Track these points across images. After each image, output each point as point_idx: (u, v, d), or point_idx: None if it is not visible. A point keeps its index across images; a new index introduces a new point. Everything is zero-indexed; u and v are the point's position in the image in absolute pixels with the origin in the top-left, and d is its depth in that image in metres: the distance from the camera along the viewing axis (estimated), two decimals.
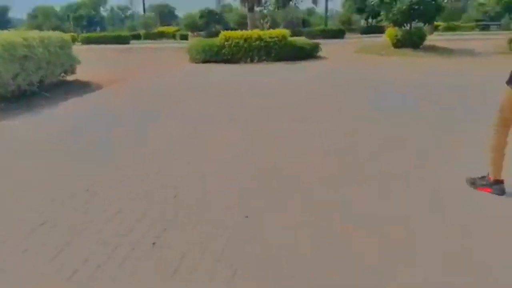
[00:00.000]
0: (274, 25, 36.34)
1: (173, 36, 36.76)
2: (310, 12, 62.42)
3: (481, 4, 39.85)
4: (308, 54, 14.25)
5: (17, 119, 6.35)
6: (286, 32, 14.07)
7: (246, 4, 25.27)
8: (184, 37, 35.13)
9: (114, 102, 7.78)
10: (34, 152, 4.52)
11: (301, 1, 42.59)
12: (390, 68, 11.83)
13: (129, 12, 67.44)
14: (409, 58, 13.88)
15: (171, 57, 17.70)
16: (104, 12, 57.85)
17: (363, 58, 14.55)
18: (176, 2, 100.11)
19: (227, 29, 40.77)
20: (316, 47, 14.63)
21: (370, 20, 34.68)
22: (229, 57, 14.12)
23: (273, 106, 6.80)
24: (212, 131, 5.25)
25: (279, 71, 11.88)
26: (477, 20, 40.66)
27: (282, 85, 9.09)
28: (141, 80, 10.83)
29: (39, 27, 46.63)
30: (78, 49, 24.00)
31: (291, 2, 41.16)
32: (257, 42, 13.81)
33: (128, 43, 29.43)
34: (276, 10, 40.49)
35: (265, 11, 44.93)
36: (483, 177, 3.12)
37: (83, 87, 9.73)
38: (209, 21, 36.14)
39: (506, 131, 2.99)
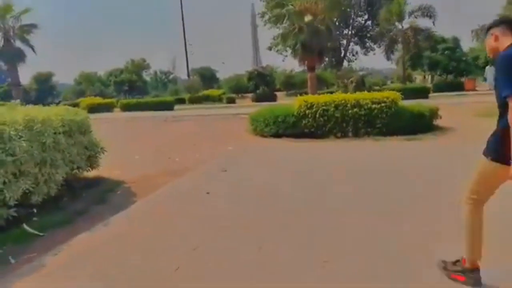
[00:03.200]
0: (325, 85, 32.89)
1: (218, 99, 33.89)
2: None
3: None
4: (426, 124, 9.91)
5: None
6: (396, 95, 9.91)
7: (306, 63, 21.76)
8: (231, 100, 32.15)
9: (157, 248, 3.62)
10: None
11: (355, 60, 38.99)
12: None
13: (171, 76, 67.16)
14: None
15: (228, 128, 13.91)
16: (147, 76, 57.25)
17: None
18: (215, 65, 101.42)
19: (275, 91, 37.82)
20: (435, 114, 10.29)
21: (444, 76, 30.35)
22: (312, 130, 10.06)
23: None
24: None
25: (418, 159, 7.54)
26: None
27: None
28: (199, 177, 6.77)
29: (83, 93, 45.85)
30: (115, 118, 21.02)
31: (344, 61, 37.79)
32: (355, 110, 9.70)
33: (172, 108, 26.42)
34: (329, 70, 37.19)
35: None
36: (457, 261, 2.77)
37: (104, 196, 5.75)
38: (258, 83, 33.15)
39: (480, 209, 2.63)
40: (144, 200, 5.49)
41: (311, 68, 21.89)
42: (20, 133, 4.58)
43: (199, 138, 11.98)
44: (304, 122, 10.11)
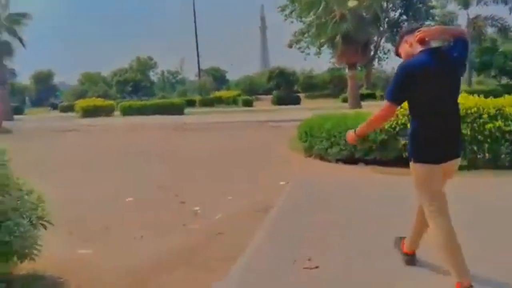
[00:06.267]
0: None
1: (233, 101, 30.11)
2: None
3: None
4: None
5: None
6: None
7: (346, 59, 17.82)
8: (249, 103, 28.39)
9: None
10: None
11: (386, 59, 35.01)
12: None
13: (179, 77, 63.55)
14: None
15: (262, 143, 10.05)
16: (153, 76, 53.57)
17: None
18: (224, 66, 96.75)
19: (296, 93, 33.87)
20: None
21: (499, 77, 26.20)
22: None
23: None
24: None
25: None
26: None
27: None
28: None
29: (85, 94, 42.21)
30: (112, 126, 17.09)
31: (374, 61, 33.80)
32: (497, 124, 5.83)
33: (182, 112, 22.51)
34: (359, 69, 33.30)
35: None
36: None
37: None
38: (279, 83, 29.31)
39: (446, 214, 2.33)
40: None
41: (352, 65, 17.97)
42: None
43: (225, 161, 8.12)
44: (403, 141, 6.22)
